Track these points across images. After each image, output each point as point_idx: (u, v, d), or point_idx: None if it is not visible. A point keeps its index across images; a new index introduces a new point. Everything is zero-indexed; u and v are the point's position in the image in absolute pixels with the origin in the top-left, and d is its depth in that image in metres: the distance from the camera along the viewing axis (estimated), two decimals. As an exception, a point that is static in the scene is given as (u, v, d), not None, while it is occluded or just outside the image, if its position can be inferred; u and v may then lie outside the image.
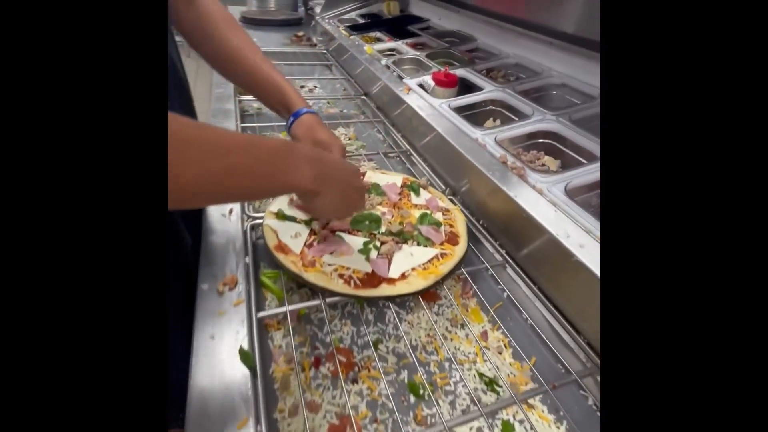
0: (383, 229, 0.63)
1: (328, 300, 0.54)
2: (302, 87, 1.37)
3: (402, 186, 0.74)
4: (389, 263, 0.57)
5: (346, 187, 0.45)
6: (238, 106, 1.07)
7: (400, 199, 0.71)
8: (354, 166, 0.48)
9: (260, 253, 0.68)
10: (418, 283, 0.54)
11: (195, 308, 0.48)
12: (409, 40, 1.32)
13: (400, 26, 1.49)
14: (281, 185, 0.38)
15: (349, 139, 1.10)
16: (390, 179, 0.75)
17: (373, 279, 0.54)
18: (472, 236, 0.68)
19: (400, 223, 0.64)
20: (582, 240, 0.48)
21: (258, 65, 0.66)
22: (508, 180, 0.60)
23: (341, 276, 0.53)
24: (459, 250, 0.60)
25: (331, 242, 0.58)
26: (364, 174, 0.75)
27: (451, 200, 0.74)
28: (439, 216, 0.67)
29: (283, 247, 0.57)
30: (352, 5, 1.79)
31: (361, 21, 1.69)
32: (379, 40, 1.42)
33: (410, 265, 0.57)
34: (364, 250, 0.58)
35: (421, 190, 0.73)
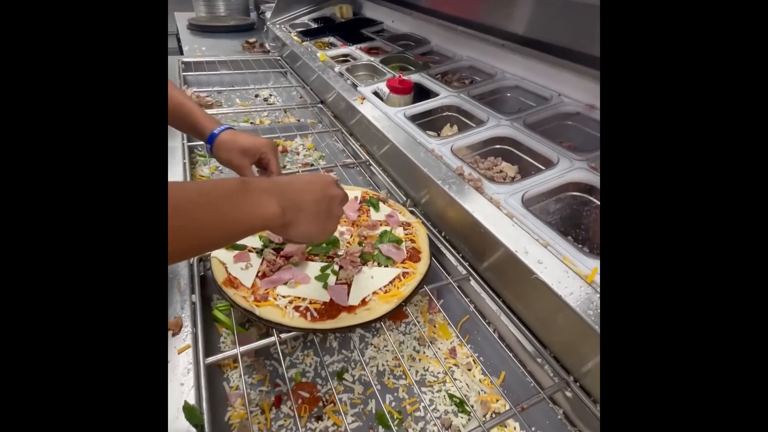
0: (342, 251, 0.60)
1: (283, 336, 0.50)
2: (257, 96, 1.31)
3: (361, 201, 0.71)
4: (348, 289, 0.54)
5: (317, 205, 0.41)
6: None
7: (359, 216, 0.68)
8: (322, 176, 0.44)
9: (211, 286, 0.64)
10: (379, 308, 0.52)
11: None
12: (363, 45, 1.30)
13: (353, 30, 1.46)
14: (249, 226, 0.36)
15: (308, 149, 1.06)
16: (349, 194, 0.72)
17: (331, 309, 0.51)
18: (435, 248, 0.66)
19: (360, 243, 0.62)
20: (540, 255, 0.47)
21: (174, 96, 0.60)
22: (465, 193, 0.59)
23: (297, 309, 0.50)
24: (421, 267, 0.58)
25: (285, 271, 0.55)
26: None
27: (413, 212, 0.73)
28: (399, 231, 0.65)
29: (232, 281, 0.53)
30: (304, 8, 1.74)
31: (314, 25, 1.64)
32: (332, 45, 1.38)
33: (371, 289, 0.54)
34: (322, 277, 0.55)
35: (381, 204, 0.71)
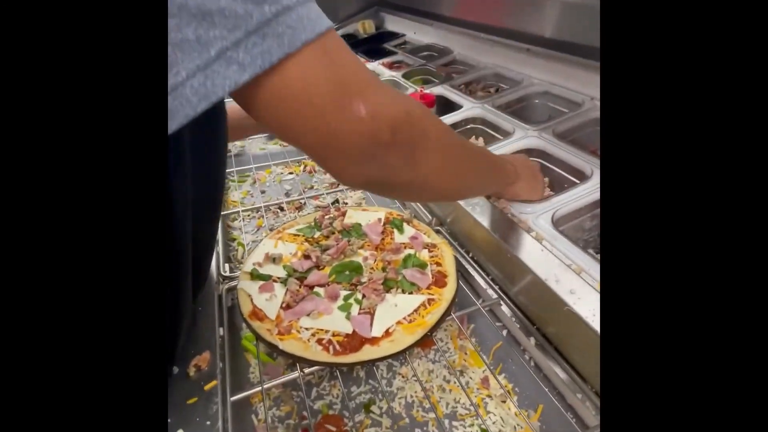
0: (365, 277, 0.59)
1: (307, 370, 0.50)
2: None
3: (385, 223, 0.70)
4: (372, 319, 0.53)
5: (528, 169, 0.60)
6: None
7: (382, 239, 0.67)
8: (523, 155, 0.69)
9: (239, 317, 0.65)
10: (403, 340, 0.50)
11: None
12: (386, 60, 1.30)
13: (375, 45, 1.46)
14: (502, 178, 0.54)
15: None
16: (372, 216, 0.72)
17: (354, 341, 0.50)
18: (463, 270, 0.64)
19: (383, 269, 0.60)
20: (573, 284, 0.43)
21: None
22: (490, 214, 0.56)
23: (319, 342, 0.49)
24: (447, 294, 0.56)
25: (308, 302, 0.54)
26: (343, 213, 0.72)
27: (438, 231, 0.70)
28: (424, 254, 0.63)
29: (257, 313, 0.54)
30: (328, 28, 1.78)
31: (338, 44, 1.67)
32: (355, 62, 1.39)
33: (394, 318, 0.52)
34: (344, 306, 0.54)
35: (405, 225, 0.69)
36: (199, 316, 0.55)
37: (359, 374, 0.59)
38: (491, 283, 0.60)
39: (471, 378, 0.57)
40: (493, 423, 0.52)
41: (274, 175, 1.02)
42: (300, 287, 0.57)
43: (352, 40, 1.64)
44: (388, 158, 0.29)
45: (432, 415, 0.53)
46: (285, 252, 0.64)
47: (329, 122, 0.26)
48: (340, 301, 0.55)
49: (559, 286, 0.43)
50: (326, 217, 0.71)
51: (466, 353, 0.61)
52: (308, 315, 0.53)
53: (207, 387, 0.46)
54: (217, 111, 0.40)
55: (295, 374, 0.49)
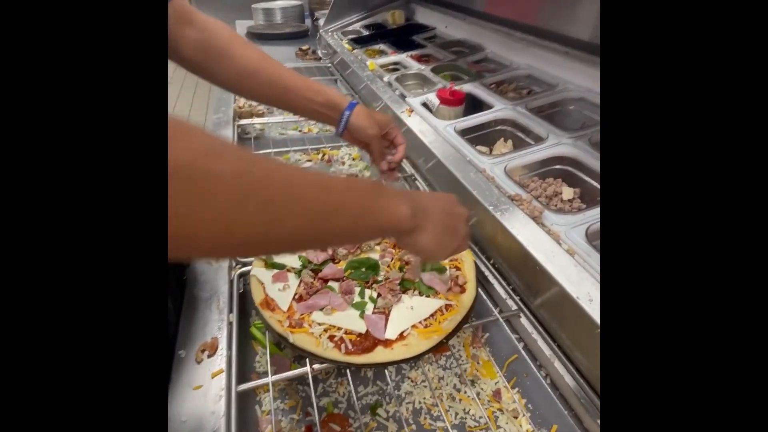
0: (381, 276, 0.57)
1: (316, 367, 0.48)
2: (306, 104, 1.33)
3: None
4: (386, 320, 0.51)
5: (445, 216, 0.40)
6: (236, 131, 1.03)
7: None
8: (447, 194, 0.45)
9: (250, 303, 0.63)
10: (418, 345, 0.48)
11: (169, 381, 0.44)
12: (414, 52, 1.26)
13: (404, 37, 1.43)
14: (378, 225, 0.35)
15: (353, 159, 1.05)
16: None
17: (367, 341, 0.48)
18: (482, 276, 0.61)
19: (400, 269, 0.58)
20: (608, 305, 0.41)
21: (286, 73, 0.61)
22: (518, 221, 0.53)
23: (331, 338, 0.48)
24: (465, 301, 0.54)
25: (322, 296, 0.53)
26: None
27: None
28: None
29: (269, 303, 0.52)
30: (357, 15, 1.74)
31: (365, 32, 1.64)
32: (382, 53, 1.36)
33: (410, 321, 0.50)
34: (359, 305, 0.52)
35: None
36: (210, 300, 0.54)
37: (367, 374, 0.57)
38: (511, 293, 0.58)
39: (482, 389, 0.55)
40: (504, 439, 0.50)
41: (292, 161, 1.00)
42: (314, 280, 0.55)
43: (381, 30, 1.61)
44: None
45: (440, 424, 0.51)
46: None
47: None
48: (356, 298, 0.53)
49: (592, 306, 0.40)
50: None
51: (478, 363, 0.58)
52: (321, 309, 0.51)
53: (214, 375, 0.45)
54: None
55: (304, 369, 0.47)
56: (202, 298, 0.54)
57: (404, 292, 0.55)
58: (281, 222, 0.26)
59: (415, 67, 1.14)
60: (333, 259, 0.59)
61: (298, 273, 0.56)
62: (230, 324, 0.51)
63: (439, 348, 0.57)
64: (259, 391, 0.53)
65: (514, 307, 0.56)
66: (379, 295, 0.54)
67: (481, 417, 0.52)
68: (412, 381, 0.56)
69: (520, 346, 0.56)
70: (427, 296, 0.54)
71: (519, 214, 0.54)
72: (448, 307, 0.53)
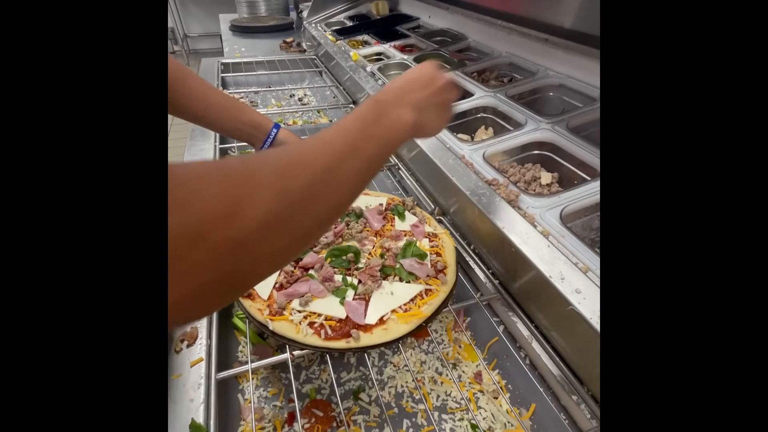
0: (362, 263, 0.58)
1: (297, 353, 0.48)
2: (292, 96, 1.31)
3: (386, 209, 0.68)
4: (366, 305, 0.51)
5: (435, 98, 0.40)
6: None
7: (383, 226, 0.65)
8: (424, 67, 0.41)
9: (233, 293, 0.64)
10: (397, 329, 0.49)
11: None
12: (397, 42, 1.26)
13: (388, 27, 1.42)
14: (392, 147, 0.35)
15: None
16: (374, 201, 0.70)
17: (346, 327, 0.48)
18: (463, 262, 0.62)
19: (382, 255, 0.59)
20: (579, 283, 0.41)
21: (210, 90, 0.58)
22: (495, 206, 0.54)
23: (311, 325, 0.48)
24: (445, 285, 0.54)
25: (302, 283, 0.53)
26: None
27: (440, 221, 0.68)
28: (425, 243, 0.61)
29: (249, 292, 0.52)
30: (341, 6, 1.73)
31: (349, 23, 1.62)
32: (366, 43, 1.35)
33: (390, 306, 0.51)
34: (339, 292, 0.52)
35: (408, 213, 0.67)
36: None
37: (350, 360, 0.57)
38: (491, 277, 0.58)
39: (464, 372, 0.56)
40: (484, 419, 0.51)
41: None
42: (295, 268, 0.56)
43: (365, 21, 1.60)
44: None
45: (422, 406, 0.52)
46: None
47: None
48: (336, 285, 0.53)
49: (564, 285, 0.41)
50: None
51: (460, 346, 0.59)
52: (302, 297, 0.51)
53: (193, 363, 0.45)
54: None
55: (285, 356, 0.47)
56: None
57: (385, 278, 0.55)
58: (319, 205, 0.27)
59: (398, 56, 1.14)
60: (313, 248, 0.59)
61: (279, 262, 0.56)
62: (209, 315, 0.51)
63: (420, 332, 0.58)
64: (241, 379, 0.53)
65: (494, 291, 0.57)
66: (359, 281, 0.54)
67: (461, 399, 0.53)
68: (394, 366, 0.57)
69: (500, 329, 0.57)
70: (408, 282, 0.54)
71: (495, 198, 0.55)
72: (428, 291, 0.54)
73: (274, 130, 0.61)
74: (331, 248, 0.59)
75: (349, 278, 0.54)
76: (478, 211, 0.54)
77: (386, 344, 0.48)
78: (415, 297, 0.53)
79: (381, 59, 1.18)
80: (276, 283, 0.53)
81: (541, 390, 0.49)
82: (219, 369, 0.46)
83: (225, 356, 0.54)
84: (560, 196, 0.53)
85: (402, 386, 0.54)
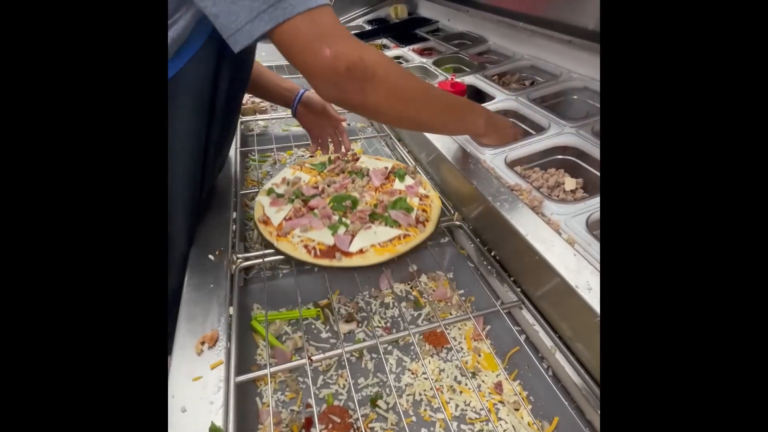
0: (358, 210, 0.64)
1: (315, 358, 0.48)
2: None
3: (390, 171, 0.75)
4: (352, 239, 0.58)
5: (503, 132, 0.68)
6: (239, 128, 1.03)
7: (382, 184, 0.71)
8: (509, 121, 0.73)
9: (250, 297, 0.64)
10: (373, 257, 0.57)
11: (168, 371, 0.44)
12: (416, 46, 1.25)
13: (407, 31, 1.42)
14: (465, 125, 0.62)
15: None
16: (381, 165, 0.77)
17: (332, 251, 0.57)
18: (483, 269, 0.61)
19: (375, 205, 0.65)
20: (607, 293, 0.40)
21: (259, 66, 0.73)
22: (518, 212, 0.52)
23: (306, 246, 0.58)
24: (421, 235, 0.61)
25: (306, 218, 0.62)
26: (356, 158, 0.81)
27: (460, 227, 0.68)
28: (415, 201, 0.67)
29: (265, 220, 0.63)
30: (360, 10, 1.74)
31: (368, 27, 1.63)
32: (385, 47, 1.35)
33: (370, 241, 0.58)
34: (333, 227, 0.60)
35: (408, 177, 0.73)
36: (210, 293, 0.54)
37: (368, 365, 0.57)
38: (512, 284, 0.57)
39: (483, 381, 0.55)
40: (504, 431, 0.49)
41: (294, 157, 1.00)
42: (303, 207, 0.65)
43: (384, 25, 1.60)
44: (344, 85, 0.44)
45: (440, 415, 0.51)
46: (299, 179, 0.73)
47: (306, 57, 0.43)
48: (332, 223, 0.61)
49: (591, 295, 0.40)
50: (341, 159, 0.81)
51: (480, 355, 0.58)
52: (303, 227, 0.60)
53: (213, 366, 0.45)
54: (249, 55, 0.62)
55: (303, 361, 0.47)
56: (203, 291, 0.54)
57: (373, 222, 0.62)
58: (418, 111, 0.52)
59: (417, 60, 1.13)
60: (321, 194, 0.68)
61: (291, 201, 0.66)
62: (230, 317, 0.51)
63: (441, 340, 0.58)
64: (259, 383, 0.54)
65: (515, 299, 0.55)
66: (351, 222, 0.62)
67: (481, 409, 0.51)
68: (412, 373, 0.56)
69: (521, 338, 0.55)
70: (391, 227, 0.61)
71: (518, 204, 0.53)
72: (406, 236, 0.60)
73: (302, 91, 0.80)
74: (334, 195, 0.67)
75: (344, 219, 0.62)
76: (500, 217, 0.53)
77: (360, 269, 0.58)
78: (394, 238, 0.59)
79: (400, 63, 1.18)
80: (286, 216, 0.63)
81: (566, 403, 0.48)
82: (238, 372, 0.46)
83: (243, 359, 0.54)
84: (586, 203, 0.52)
85: (420, 394, 0.53)
